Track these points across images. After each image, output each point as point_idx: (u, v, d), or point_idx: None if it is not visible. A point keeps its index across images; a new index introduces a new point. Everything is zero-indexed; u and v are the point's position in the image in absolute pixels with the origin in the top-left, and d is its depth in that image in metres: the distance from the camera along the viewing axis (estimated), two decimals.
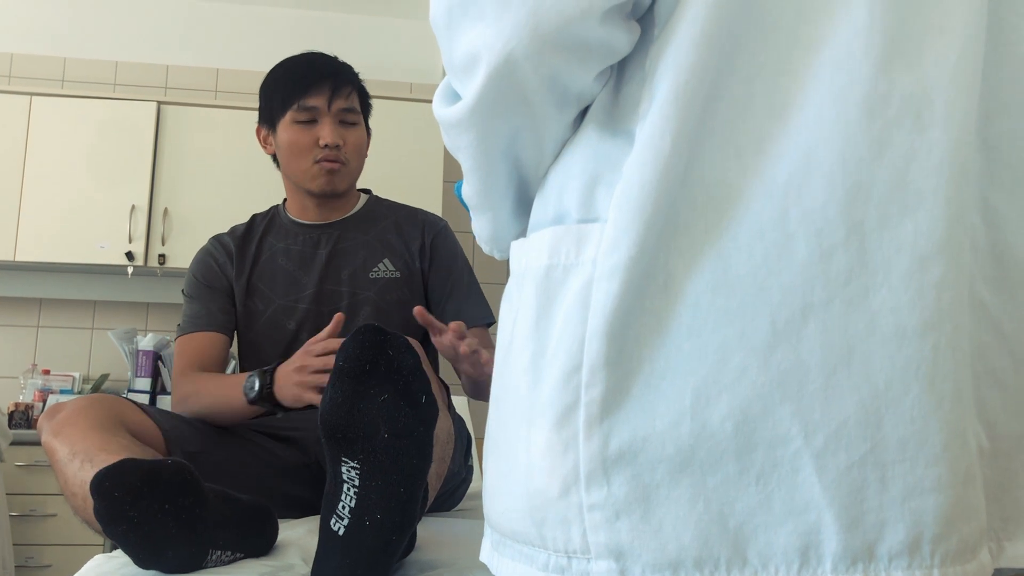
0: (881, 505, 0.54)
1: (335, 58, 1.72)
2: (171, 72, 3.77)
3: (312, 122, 1.65)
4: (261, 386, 1.38)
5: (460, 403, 2.30)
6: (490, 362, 1.34)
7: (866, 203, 0.55)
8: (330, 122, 1.65)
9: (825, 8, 0.57)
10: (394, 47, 3.89)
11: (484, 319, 1.72)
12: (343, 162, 1.67)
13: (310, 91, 1.64)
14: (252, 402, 1.39)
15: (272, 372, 1.39)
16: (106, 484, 0.98)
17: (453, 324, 1.36)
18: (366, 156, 1.77)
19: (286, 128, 1.66)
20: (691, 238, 0.58)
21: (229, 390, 1.47)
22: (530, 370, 0.62)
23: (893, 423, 0.55)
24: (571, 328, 0.60)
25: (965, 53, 0.58)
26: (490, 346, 1.67)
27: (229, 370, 3.42)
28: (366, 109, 1.77)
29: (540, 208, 0.69)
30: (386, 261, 1.70)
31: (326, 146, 1.63)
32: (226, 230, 1.78)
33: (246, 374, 1.45)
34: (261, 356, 1.66)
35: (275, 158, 1.76)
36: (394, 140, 3.31)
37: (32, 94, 3.35)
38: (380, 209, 1.79)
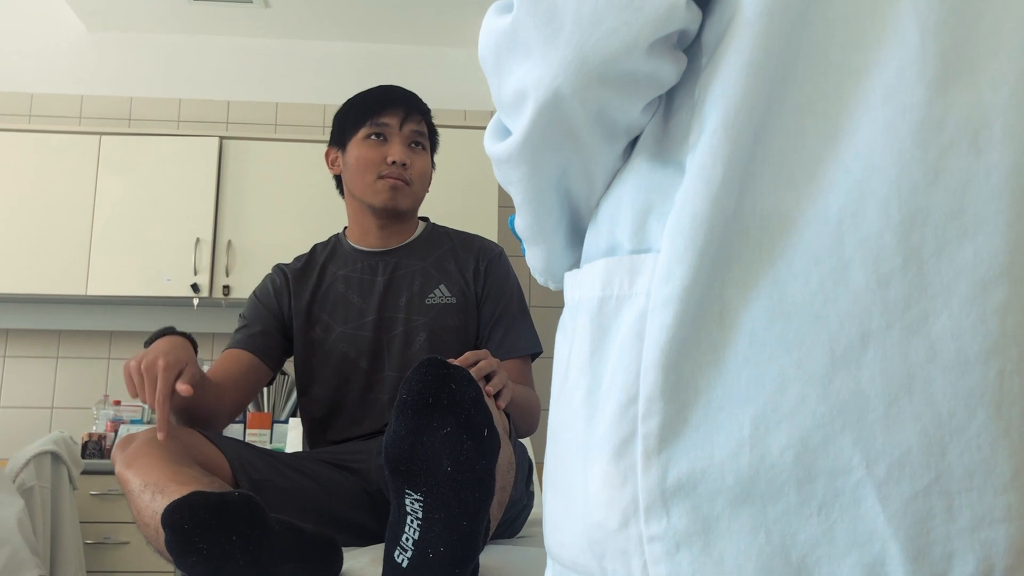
0: (948, 536, 0.53)
1: (412, 91, 1.82)
2: (232, 107, 3.88)
3: (383, 141, 1.72)
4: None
5: None
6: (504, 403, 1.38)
7: (923, 229, 0.54)
8: (400, 142, 1.72)
9: (876, 35, 0.57)
10: (447, 76, 3.94)
11: (527, 349, 1.72)
12: (407, 181, 1.72)
13: (385, 110, 1.73)
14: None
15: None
16: (176, 516, 1.01)
17: (466, 355, 1.38)
18: (429, 187, 1.82)
19: (357, 144, 1.73)
20: (745, 267, 0.57)
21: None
22: (586, 403, 0.63)
23: (958, 451, 0.53)
24: (626, 360, 0.60)
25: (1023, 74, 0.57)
26: (525, 382, 1.67)
27: (284, 391, 3.45)
28: (434, 142, 1.84)
29: (592, 239, 0.69)
30: (442, 287, 1.72)
31: (393, 163, 1.70)
32: (289, 260, 1.83)
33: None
34: (319, 381, 1.70)
35: (339, 181, 1.82)
36: (449, 167, 3.33)
37: (101, 133, 3.48)
38: (438, 236, 1.82)
